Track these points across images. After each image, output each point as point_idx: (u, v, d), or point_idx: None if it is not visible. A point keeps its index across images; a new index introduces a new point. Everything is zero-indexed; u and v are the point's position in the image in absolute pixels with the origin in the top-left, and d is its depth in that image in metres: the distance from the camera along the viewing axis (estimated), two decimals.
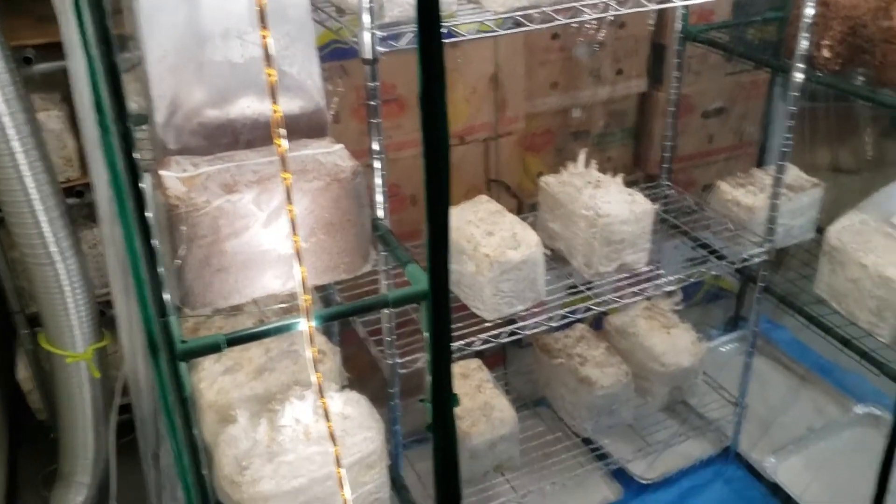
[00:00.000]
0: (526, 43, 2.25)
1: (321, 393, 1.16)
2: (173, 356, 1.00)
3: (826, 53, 1.90)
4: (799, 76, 1.84)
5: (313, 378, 1.10)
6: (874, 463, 1.81)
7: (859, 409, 2.45)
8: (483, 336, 1.72)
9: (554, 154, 2.49)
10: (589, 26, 2.27)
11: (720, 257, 2.04)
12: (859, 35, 1.86)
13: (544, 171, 2.05)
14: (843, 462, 2.28)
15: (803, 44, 1.83)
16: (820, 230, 2.19)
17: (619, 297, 1.88)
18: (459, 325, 1.71)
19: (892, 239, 1.96)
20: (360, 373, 1.69)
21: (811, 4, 1.79)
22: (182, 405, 1.04)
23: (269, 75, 0.96)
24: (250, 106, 1.26)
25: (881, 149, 2.63)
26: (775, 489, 2.22)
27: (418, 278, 1.13)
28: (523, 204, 2.36)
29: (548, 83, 2.36)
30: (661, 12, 2.37)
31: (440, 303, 1.13)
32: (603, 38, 2.34)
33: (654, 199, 2.09)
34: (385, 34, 1.38)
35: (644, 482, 2.24)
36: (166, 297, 0.99)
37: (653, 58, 2.45)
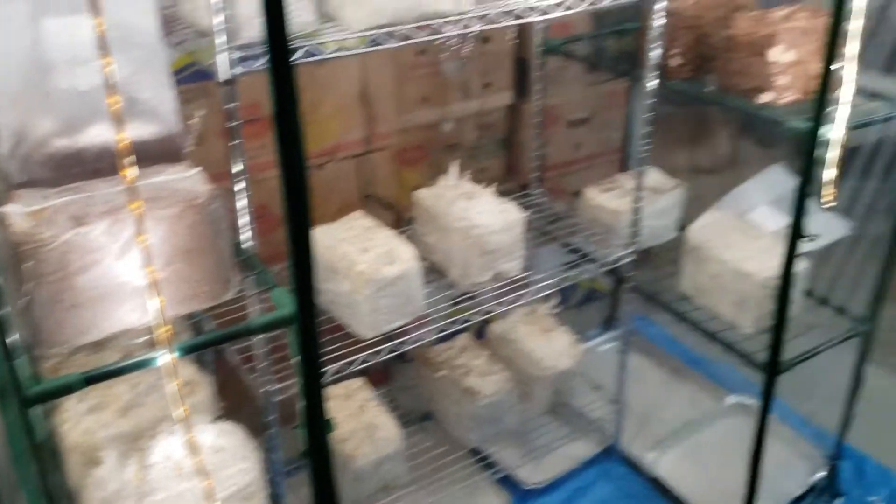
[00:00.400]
0: (394, 59, 2.27)
1: (188, 427, 1.12)
2: (22, 401, 0.95)
3: (676, 62, 1.99)
4: (652, 84, 1.93)
5: (179, 412, 1.06)
6: (746, 450, 1.91)
7: (730, 400, 2.57)
8: (363, 355, 1.71)
9: (430, 167, 2.50)
10: (452, 43, 2.31)
11: (591, 261, 2.11)
12: (705, 44, 1.96)
13: (421, 185, 2.07)
14: (719, 451, 2.38)
15: (655, 53, 1.92)
16: (683, 229, 2.29)
17: (497, 306, 1.91)
18: (338, 344, 1.70)
19: (748, 234, 2.07)
20: (236, 401, 1.65)
21: (660, 16, 1.88)
22: (36, 452, 0.99)
23: (113, 103, 0.93)
24: (100, 134, 1.21)
25: (735, 149, 2.78)
26: (657, 483, 2.30)
27: (284, 302, 1.12)
28: (401, 218, 2.36)
29: (418, 98, 2.38)
30: (522, 27, 2.43)
31: (308, 326, 1.11)
32: (469, 53, 2.37)
33: (526, 208, 2.13)
34: (242, 55, 1.36)
35: (531, 487, 2.28)
36: (13, 338, 0.94)
37: (517, 71, 2.51)
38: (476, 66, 2.45)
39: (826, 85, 1.61)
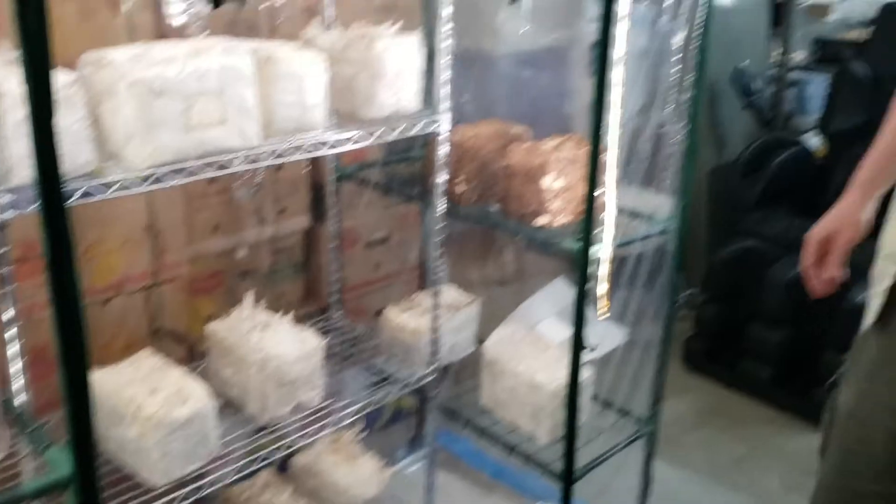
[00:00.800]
0: (183, 188, 2.23)
1: None
2: None
3: (462, 188, 2.10)
4: (441, 208, 2.03)
5: None
6: None
7: None
8: None
9: (226, 294, 2.45)
10: (245, 171, 2.31)
11: (394, 382, 2.13)
12: (487, 172, 2.10)
13: (216, 314, 2.01)
14: None
15: (441, 180, 2.03)
16: (481, 343, 2.38)
17: (299, 438, 1.87)
18: (128, 496, 1.58)
19: (538, 346, 2.18)
20: None
21: (444, 146, 2.00)
22: None
23: None
24: None
25: (524, 261, 2.94)
26: None
27: (60, 463, 1.04)
28: (194, 351, 2.28)
29: (210, 226, 2.34)
30: None
31: (87, 486, 1.04)
32: (262, 180, 2.39)
33: (326, 332, 2.13)
34: (13, 198, 1.29)
35: None
36: None
37: (313, 195, 2.55)
38: (270, 193, 2.46)
39: (591, 209, 1.77)
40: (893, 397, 1.30)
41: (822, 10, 3.99)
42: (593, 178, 1.74)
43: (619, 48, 1.78)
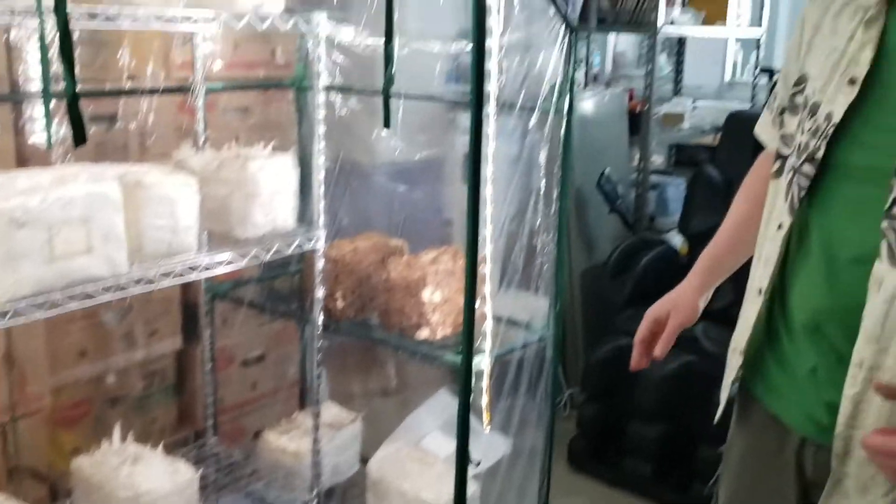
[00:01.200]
0: None
1: None
2: None
3: (340, 304, 2.09)
4: (320, 324, 2.01)
5: None
6: None
7: None
8: None
9: (93, 424, 2.31)
10: None
11: None
12: (367, 286, 2.10)
13: (82, 446, 1.89)
14: None
15: (319, 295, 2.01)
16: (365, 462, 2.32)
17: None
18: None
19: (424, 462, 2.15)
20: None
21: (321, 262, 1.99)
22: None
23: None
24: None
25: (405, 374, 2.93)
26: None
27: None
28: (59, 489, 2.12)
29: (75, 353, 2.23)
30: None
31: None
32: (130, 302, 2.30)
33: (201, 459, 2.04)
34: None
35: None
36: None
37: (185, 316, 2.47)
38: (140, 314, 2.37)
39: (470, 321, 1.79)
40: (758, 497, 1.33)
41: (675, 119, 4.28)
42: (471, 291, 1.77)
43: (489, 160, 1.85)
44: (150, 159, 2.24)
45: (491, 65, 1.82)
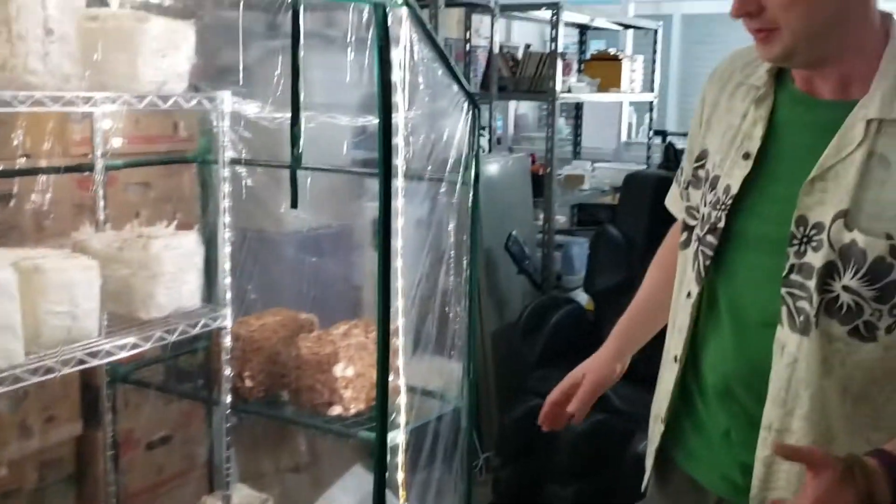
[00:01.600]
0: None
1: None
2: None
3: (250, 382, 2.04)
4: (228, 404, 1.96)
5: None
6: None
7: None
8: None
9: None
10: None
11: None
12: (277, 363, 2.06)
13: None
14: None
15: (227, 374, 1.96)
16: None
17: None
18: None
19: None
20: None
21: (228, 341, 1.95)
22: None
23: None
24: None
25: (317, 451, 2.86)
26: None
27: None
28: None
29: None
30: None
31: None
32: (26, 388, 2.19)
33: None
34: None
35: None
36: None
37: (85, 399, 2.37)
38: (36, 400, 2.25)
39: (384, 396, 1.78)
40: None
41: (577, 180, 4.42)
42: (384, 366, 1.76)
43: (398, 233, 1.87)
44: (49, 239, 2.16)
45: (398, 139, 1.85)
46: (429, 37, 1.78)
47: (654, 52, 4.70)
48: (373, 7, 1.60)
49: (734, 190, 1.14)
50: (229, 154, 2.03)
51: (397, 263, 1.78)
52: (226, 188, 1.99)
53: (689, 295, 1.21)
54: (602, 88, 4.29)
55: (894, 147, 1.04)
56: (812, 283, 1.06)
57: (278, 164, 2.13)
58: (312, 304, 2.35)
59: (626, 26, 5.02)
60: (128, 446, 2.42)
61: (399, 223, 1.79)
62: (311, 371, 1.95)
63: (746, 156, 1.13)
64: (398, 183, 1.83)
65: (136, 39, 1.70)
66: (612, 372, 1.46)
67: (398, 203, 1.79)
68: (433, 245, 2.15)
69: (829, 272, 1.05)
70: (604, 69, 4.36)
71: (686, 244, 1.25)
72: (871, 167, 1.04)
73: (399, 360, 1.87)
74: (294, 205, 1.58)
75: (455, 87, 1.88)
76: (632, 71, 4.49)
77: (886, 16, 1.10)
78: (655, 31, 4.69)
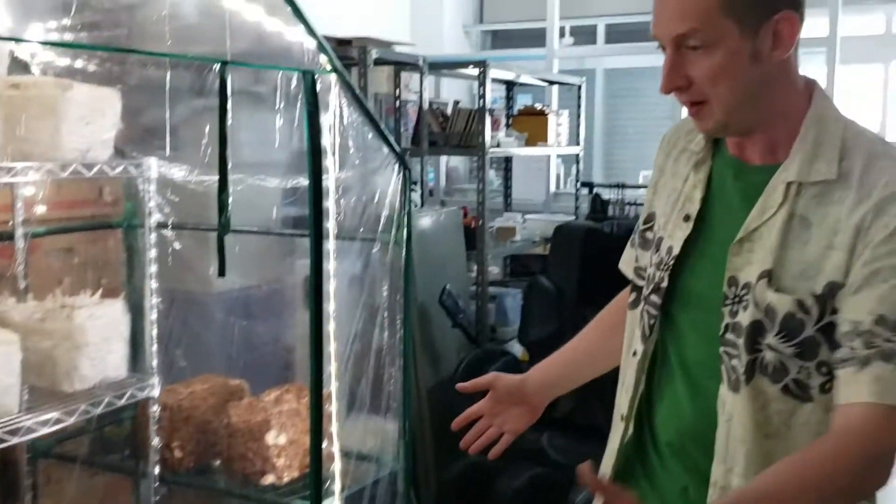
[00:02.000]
0: None
1: None
2: None
3: (179, 453, 1.99)
4: (154, 476, 1.90)
5: None
6: None
7: None
8: None
9: None
10: None
11: None
12: (207, 432, 2.01)
13: None
14: None
15: (155, 444, 1.91)
16: None
17: None
18: None
19: None
20: None
21: (155, 409, 1.90)
22: None
23: None
24: None
25: None
26: None
27: None
28: None
29: None
30: None
31: None
32: None
33: None
34: None
35: None
36: None
37: (5, 477, 2.26)
38: None
39: (318, 463, 1.75)
40: None
41: (508, 232, 4.47)
42: (317, 432, 1.73)
43: (331, 296, 1.86)
44: None
45: (328, 202, 1.85)
46: (358, 101, 1.79)
47: (579, 106, 4.82)
48: (301, 74, 1.60)
49: (676, 251, 1.17)
50: (156, 218, 2.01)
51: (329, 327, 1.76)
52: (152, 254, 1.96)
53: (634, 353, 1.23)
54: (530, 142, 4.37)
55: (813, 208, 1.07)
56: (741, 342, 1.09)
57: (206, 228, 2.10)
58: (244, 368, 2.31)
59: (552, 82, 5.14)
60: None
61: (331, 285, 1.78)
62: (243, 440, 1.91)
63: (687, 218, 1.17)
64: (330, 245, 1.82)
65: (58, 107, 1.68)
66: (520, 388, 1.39)
67: (330, 265, 1.78)
68: (366, 304, 2.14)
69: (757, 331, 1.08)
70: (531, 124, 4.45)
71: (634, 304, 1.27)
72: (792, 227, 1.07)
73: (333, 426, 1.84)
74: (221, 272, 1.56)
75: (385, 149, 1.89)
76: (557, 125, 4.59)
77: (810, 81, 1.14)
78: (579, 87, 4.82)
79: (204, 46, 1.85)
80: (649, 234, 1.27)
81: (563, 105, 5.14)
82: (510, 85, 4.78)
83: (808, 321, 1.06)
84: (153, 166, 1.88)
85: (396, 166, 1.95)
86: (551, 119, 4.53)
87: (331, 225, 1.80)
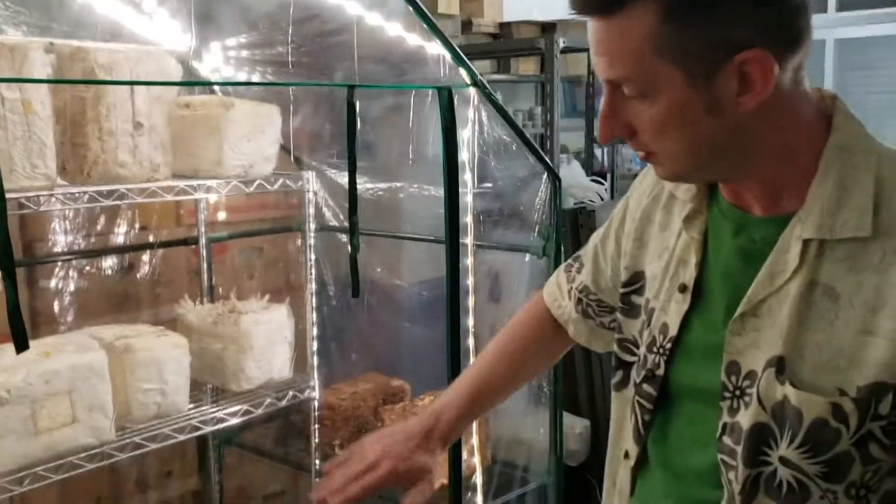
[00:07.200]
0: None
1: None
2: None
3: (338, 451, 2.08)
4: (317, 470, 2.01)
5: None
6: None
7: None
8: None
9: None
10: None
11: None
12: (364, 432, 2.08)
13: None
14: None
15: (315, 441, 2.02)
16: None
17: None
18: None
19: None
20: None
21: (316, 411, 2.00)
22: None
23: None
24: None
25: None
26: None
27: None
28: None
29: (89, 498, 2.26)
30: None
31: None
32: None
33: None
34: None
35: None
36: None
37: (200, 455, 2.49)
38: (154, 455, 2.39)
39: (457, 473, 1.76)
40: None
41: None
42: (457, 448, 1.74)
43: (469, 297, 1.84)
44: (162, 306, 2.31)
45: (468, 218, 1.84)
46: (503, 113, 1.76)
47: None
48: (437, 91, 1.60)
49: (673, 331, 0.92)
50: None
51: (468, 343, 1.76)
52: (312, 258, 2.06)
53: (626, 455, 1.00)
54: None
55: (842, 275, 0.80)
56: (739, 450, 0.84)
57: (367, 232, 2.16)
58: (411, 368, 2.37)
59: None
60: (240, 501, 2.53)
61: (470, 300, 1.78)
62: None
63: (683, 288, 0.92)
64: (469, 259, 1.82)
65: (221, 126, 1.80)
66: (426, 432, 1.11)
67: (469, 278, 1.78)
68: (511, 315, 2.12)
69: (760, 437, 0.83)
70: None
71: (622, 384, 1.02)
72: (812, 300, 0.81)
73: (473, 438, 1.84)
74: (355, 293, 1.60)
75: (531, 160, 1.85)
76: None
77: (827, 99, 0.86)
78: None
79: (360, 64, 1.90)
80: (636, 299, 1.00)
81: None
82: None
83: (845, 432, 0.79)
84: (311, 180, 1.97)
85: (545, 177, 1.89)
86: None
87: (469, 239, 1.79)
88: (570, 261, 1.18)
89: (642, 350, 0.97)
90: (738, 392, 0.85)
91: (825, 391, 0.79)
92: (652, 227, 1.00)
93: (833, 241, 0.81)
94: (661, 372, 0.93)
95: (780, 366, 0.82)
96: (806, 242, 0.82)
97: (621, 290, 1.03)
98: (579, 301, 1.13)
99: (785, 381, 0.81)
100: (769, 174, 0.85)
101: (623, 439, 1.01)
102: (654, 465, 0.97)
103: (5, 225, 1.14)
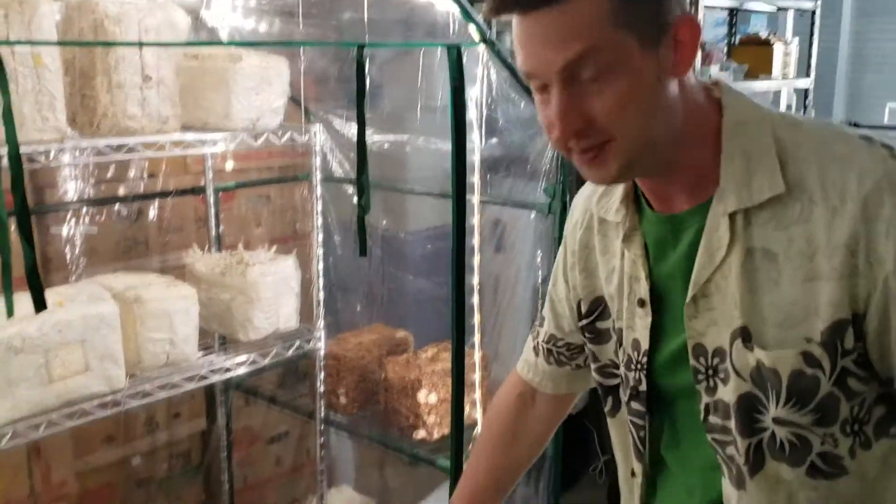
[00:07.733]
0: None
1: None
2: None
3: (343, 400, 2.13)
4: (321, 418, 2.07)
5: None
6: None
7: None
8: None
9: None
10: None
11: None
12: (368, 382, 2.14)
13: None
14: None
15: (321, 391, 2.07)
16: None
17: None
18: None
19: None
20: None
21: (322, 360, 2.05)
22: None
23: None
24: None
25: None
26: None
27: None
28: None
29: (100, 437, 2.33)
30: None
31: None
32: None
33: None
34: None
35: None
36: None
37: (207, 398, 2.55)
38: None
39: (459, 427, 1.81)
40: None
41: None
42: (459, 394, 1.78)
43: (475, 256, 1.87)
44: (170, 252, 2.35)
45: (474, 178, 1.86)
46: (511, 71, 1.76)
47: (812, 33, 4.35)
48: (446, 49, 1.60)
49: (644, 345, 0.96)
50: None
51: (473, 300, 1.79)
52: (318, 208, 2.07)
53: (633, 474, 1.04)
54: (751, 75, 4.03)
55: (773, 235, 0.84)
56: (732, 424, 0.88)
57: (376, 184, 2.18)
58: (417, 319, 2.40)
59: (780, 8, 4.67)
60: (249, 440, 2.60)
61: (476, 259, 1.80)
62: (397, 395, 2.01)
63: (641, 303, 0.95)
64: (474, 220, 1.84)
65: (229, 78, 1.80)
66: None
67: (475, 236, 1.80)
68: (518, 273, 2.14)
69: (749, 406, 0.87)
70: (753, 54, 4.08)
71: (615, 410, 1.06)
72: (755, 267, 0.85)
73: (476, 392, 1.89)
74: (362, 252, 1.62)
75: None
76: (785, 55, 4.19)
77: (710, 85, 0.91)
78: (812, 13, 4.34)
79: (369, 12, 1.88)
80: (602, 325, 1.04)
81: (799, 32, 4.66)
82: (733, 12, 4.41)
83: (822, 376, 0.83)
84: (318, 133, 1.97)
85: None
86: (777, 49, 4.13)
87: (476, 197, 1.80)
88: (534, 324, 1.20)
89: (622, 370, 1.01)
90: (710, 371, 0.90)
91: (793, 344, 0.83)
92: (594, 254, 1.04)
93: (755, 208, 0.85)
94: (643, 387, 0.97)
95: (745, 335, 0.86)
96: (732, 216, 0.86)
97: (584, 322, 1.06)
98: (549, 352, 1.15)
99: (753, 347, 0.85)
100: (689, 160, 0.88)
101: (628, 460, 1.05)
102: (672, 468, 1.02)
103: (22, 187, 1.15)
